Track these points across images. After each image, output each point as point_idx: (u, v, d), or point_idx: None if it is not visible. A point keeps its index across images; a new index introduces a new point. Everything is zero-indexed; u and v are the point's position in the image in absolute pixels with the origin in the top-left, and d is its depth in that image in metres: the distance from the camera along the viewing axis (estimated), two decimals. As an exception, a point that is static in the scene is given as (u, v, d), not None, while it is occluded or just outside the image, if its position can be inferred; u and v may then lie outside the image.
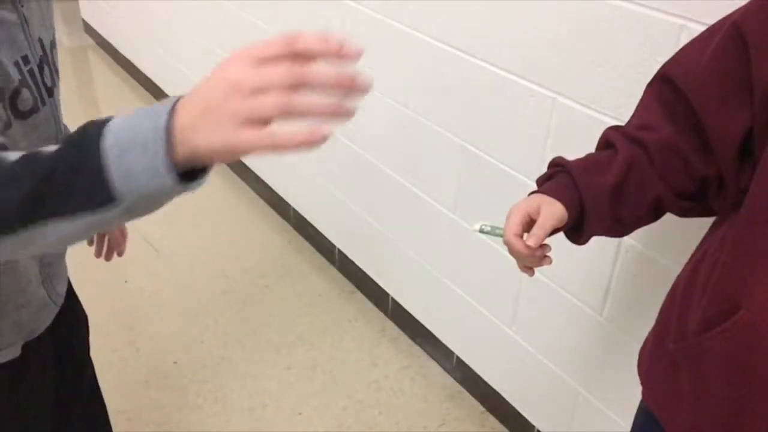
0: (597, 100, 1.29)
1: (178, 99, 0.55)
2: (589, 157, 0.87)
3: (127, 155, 0.53)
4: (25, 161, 0.59)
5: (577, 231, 0.85)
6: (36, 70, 0.96)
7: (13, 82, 0.90)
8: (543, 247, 0.82)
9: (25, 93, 0.92)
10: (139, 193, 0.56)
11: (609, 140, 0.86)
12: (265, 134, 0.51)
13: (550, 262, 0.85)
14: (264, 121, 0.51)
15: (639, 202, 0.83)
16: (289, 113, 0.51)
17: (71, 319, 1.17)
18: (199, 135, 0.53)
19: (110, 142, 0.54)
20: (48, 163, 0.57)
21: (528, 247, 0.80)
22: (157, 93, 3.54)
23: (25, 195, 0.57)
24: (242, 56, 0.52)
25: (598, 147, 0.90)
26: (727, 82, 0.74)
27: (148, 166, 0.54)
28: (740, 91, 0.72)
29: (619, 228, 0.86)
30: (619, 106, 1.25)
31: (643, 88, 0.89)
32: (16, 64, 0.91)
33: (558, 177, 0.86)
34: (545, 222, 0.80)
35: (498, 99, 1.51)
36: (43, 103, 0.97)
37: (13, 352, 1.04)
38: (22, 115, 0.92)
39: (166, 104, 0.55)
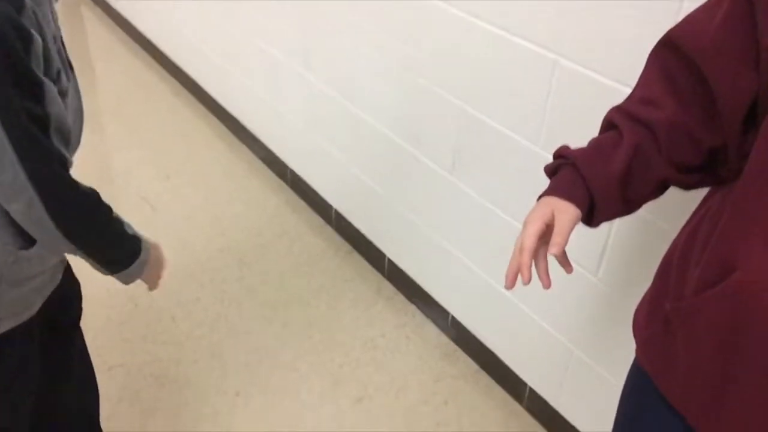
0: (598, 62, 1.28)
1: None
2: (592, 144, 0.88)
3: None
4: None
5: (588, 218, 0.87)
6: (62, 47, 0.96)
7: (57, 64, 0.91)
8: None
9: (62, 73, 0.92)
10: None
11: (612, 122, 0.87)
12: None
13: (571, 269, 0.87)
14: None
15: (646, 184, 0.85)
16: None
17: (64, 289, 1.18)
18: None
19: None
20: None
21: (528, 265, 0.82)
22: (153, 50, 3.50)
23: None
24: None
25: (602, 129, 0.90)
26: (736, 46, 0.74)
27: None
28: (749, 56, 0.73)
29: (627, 209, 0.88)
30: (621, 69, 1.25)
31: (644, 51, 0.88)
32: (54, 43, 0.91)
33: (564, 171, 0.87)
34: (563, 229, 0.82)
35: (498, 60, 1.50)
36: (69, 79, 0.96)
37: (30, 313, 1.06)
38: (61, 94, 0.92)
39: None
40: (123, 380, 1.86)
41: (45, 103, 0.85)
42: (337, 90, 2.11)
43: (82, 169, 1.23)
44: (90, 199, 0.97)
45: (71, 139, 0.95)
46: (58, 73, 0.91)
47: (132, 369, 1.89)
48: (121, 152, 2.88)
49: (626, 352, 0.99)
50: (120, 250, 1.06)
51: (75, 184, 0.94)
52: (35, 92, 0.85)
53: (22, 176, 0.85)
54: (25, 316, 1.04)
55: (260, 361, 1.95)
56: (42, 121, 0.86)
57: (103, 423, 1.43)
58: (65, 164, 0.92)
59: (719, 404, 0.78)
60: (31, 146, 0.85)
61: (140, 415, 1.78)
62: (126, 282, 1.10)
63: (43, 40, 0.86)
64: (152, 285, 1.20)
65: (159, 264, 1.20)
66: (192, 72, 3.18)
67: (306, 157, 2.49)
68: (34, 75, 0.84)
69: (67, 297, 1.24)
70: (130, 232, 1.07)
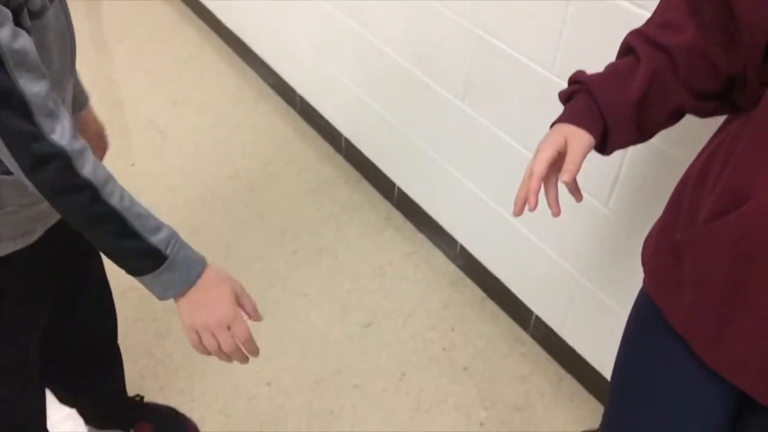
0: (618, -15, 1.24)
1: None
2: (609, 69, 0.85)
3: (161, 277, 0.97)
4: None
5: (601, 146, 0.86)
6: None
7: None
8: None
9: None
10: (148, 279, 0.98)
11: (630, 46, 0.84)
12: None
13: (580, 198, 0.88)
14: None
15: (662, 111, 0.83)
16: None
17: None
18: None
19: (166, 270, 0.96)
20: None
21: (536, 191, 0.81)
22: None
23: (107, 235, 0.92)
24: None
25: (619, 53, 0.87)
26: None
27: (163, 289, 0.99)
28: None
29: (641, 137, 0.87)
30: (642, -8, 1.21)
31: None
32: None
33: (578, 97, 0.85)
34: (576, 157, 0.80)
35: (515, -18, 1.45)
36: (51, 0, 0.93)
37: (29, 239, 1.07)
38: (33, 16, 0.88)
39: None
40: (137, 303, 1.90)
41: None
42: (347, 14, 2.06)
43: (90, 94, 1.21)
44: (61, 158, 0.83)
45: (42, 67, 0.84)
46: None
47: (145, 292, 1.91)
48: (127, 76, 2.84)
49: (633, 281, 1.00)
50: (116, 238, 0.92)
51: (27, 128, 0.80)
52: None
53: None
54: (24, 242, 1.05)
55: (270, 286, 1.98)
56: None
57: (120, 342, 1.47)
58: (18, 101, 0.79)
59: (723, 332, 0.79)
60: None
61: (155, 336, 1.82)
62: (158, 296, 0.97)
63: None
64: (191, 337, 0.98)
65: (204, 310, 0.98)
66: (198, -6, 3.10)
67: (316, 83, 2.45)
68: None
69: None
70: (152, 238, 0.93)
